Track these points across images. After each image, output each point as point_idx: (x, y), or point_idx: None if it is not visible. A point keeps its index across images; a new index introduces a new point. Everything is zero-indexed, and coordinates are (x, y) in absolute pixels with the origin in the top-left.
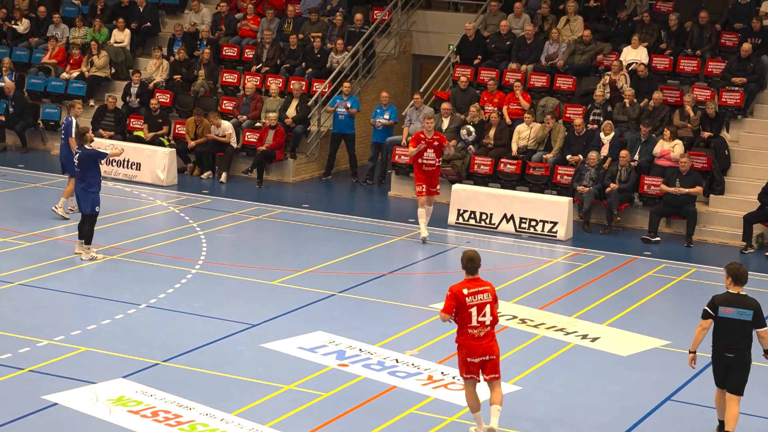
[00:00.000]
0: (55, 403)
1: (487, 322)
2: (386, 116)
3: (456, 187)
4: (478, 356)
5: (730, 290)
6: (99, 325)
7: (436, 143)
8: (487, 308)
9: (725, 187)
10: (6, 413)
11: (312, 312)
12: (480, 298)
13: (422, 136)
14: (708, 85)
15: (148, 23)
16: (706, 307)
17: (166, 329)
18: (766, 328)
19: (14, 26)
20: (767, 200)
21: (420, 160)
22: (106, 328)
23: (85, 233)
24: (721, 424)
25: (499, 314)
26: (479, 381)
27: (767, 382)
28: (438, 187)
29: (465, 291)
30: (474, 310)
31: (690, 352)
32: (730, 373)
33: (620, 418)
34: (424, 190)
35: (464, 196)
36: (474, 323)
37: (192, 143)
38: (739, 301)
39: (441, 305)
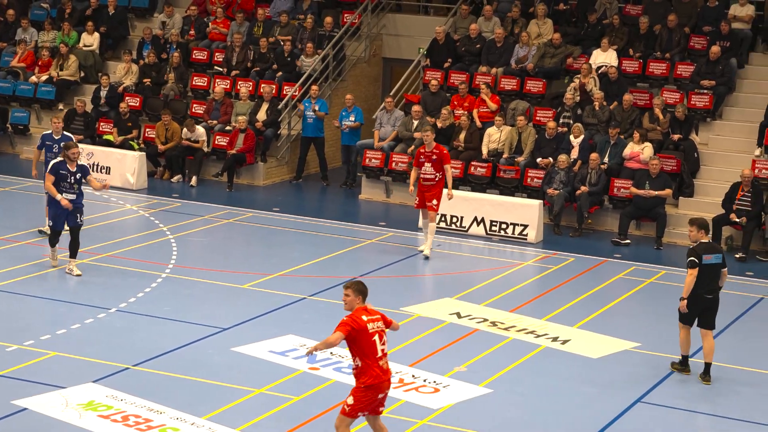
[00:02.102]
0: (25, 408)
1: (386, 351)
2: (351, 118)
3: None
4: (384, 391)
5: (702, 240)
6: (69, 329)
7: (434, 157)
8: (385, 337)
9: (694, 190)
10: None
11: (283, 315)
12: (378, 326)
13: (422, 150)
14: (677, 88)
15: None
16: (692, 258)
17: (136, 333)
18: (727, 268)
19: None
20: (730, 207)
21: (421, 173)
22: (76, 333)
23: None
24: (684, 359)
25: (469, 318)
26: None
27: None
28: (435, 202)
29: (365, 318)
30: (377, 338)
31: (682, 299)
32: (706, 313)
33: (591, 420)
34: (417, 201)
35: None
36: (379, 353)
37: (162, 147)
38: (713, 248)
39: (412, 308)
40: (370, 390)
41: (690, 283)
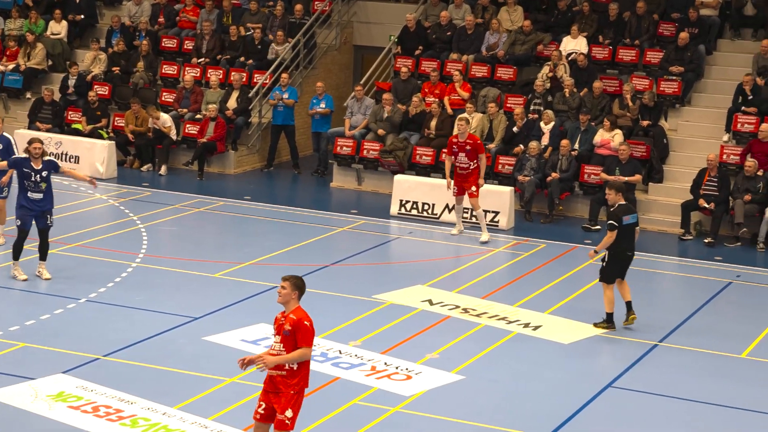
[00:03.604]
0: None
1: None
2: (322, 105)
3: (398, 177)
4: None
5: (620, 203)
6: (38, 320)
7: (468, 147)
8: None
9: (664, 176)
10: None
11: (254, 304)
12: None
13: (455, 140)
14: (646, 75)
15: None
16: (612, 221)
17: (106, 324)
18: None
19: None
20: (697, 192)
21: (455, 162)
22: (45, 324)
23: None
24: (609, 316)
25: (440, 305)
26: None
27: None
28: (474, 189)
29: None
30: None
31: (594, 251)
32: (625, 267)
33: (562, 406)
34: (456, 191)
35: (406, 186)
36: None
37: (130, 136)
38: (630, 209)
39: (384, 295)
40: (302, 393)
41: (607, 242)
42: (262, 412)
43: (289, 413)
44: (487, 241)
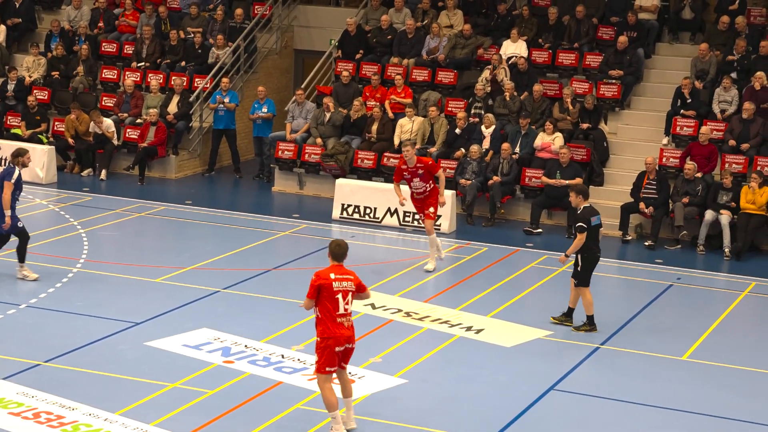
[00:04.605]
0: None
1: (350, 310)
2: (264, 110)
3: (340, 181)
4: (342, 345)
5: (584, 205)
6: None
7: (421, 171)
8: (350, 296)
9: (604, 179)
10: None
11: (196, 309)
12: (345, 285)
13: (404, 167)
14: (586, 78)
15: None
16: (581, 223)
17: (47, 329)
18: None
19: None
20: (637, 195)
21: (411, 189)
22: None
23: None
24: (590, 318)
25: (383, 309)
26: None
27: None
28: (431, 210)
29: (332, 276)
30: (340, 297)
31: (565, 255)
32: (593, 270)
33: (505, 408)
34: (420, 216)
35: (348, 190)
36: (341, 311)
37: (71, 138)
38: (594, 210)
39: None
40: (325, 342)
41: (578, 245)
42: None
43: (316, 357)
44: (432, 270)
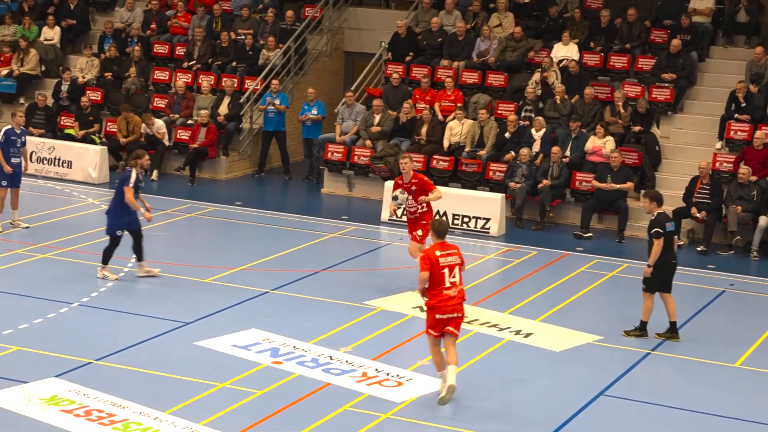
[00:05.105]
0: None
1: (458, 282)
2: (314, 111)
3: (389, 183)
4: (447, 313)
5: (659, 212)
6: (31, 324)
7: (414, 187)
8: (456, 269)
9: (656, 183)
10: None
11: (245, 309)
12: (450, 260)
13: (399, 181)
14: (638, 81)
15: (74, 21)
16: (657, 228)
17: (98, 328)
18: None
19: None
20: (690, 200)
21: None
22: (37, 328)
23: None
24: (644, 324)
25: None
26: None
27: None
28: (419, 233)
29: (438, 253)
30: (446, 271)
31: (649, 267)
32: (669, 278)
33: (554, 414)
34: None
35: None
36: (447, 284)
37: (124, 141)
38: (668, 217)
39: (375, 302)
40: (431, 311)
41: (657, 252)
42: None
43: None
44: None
